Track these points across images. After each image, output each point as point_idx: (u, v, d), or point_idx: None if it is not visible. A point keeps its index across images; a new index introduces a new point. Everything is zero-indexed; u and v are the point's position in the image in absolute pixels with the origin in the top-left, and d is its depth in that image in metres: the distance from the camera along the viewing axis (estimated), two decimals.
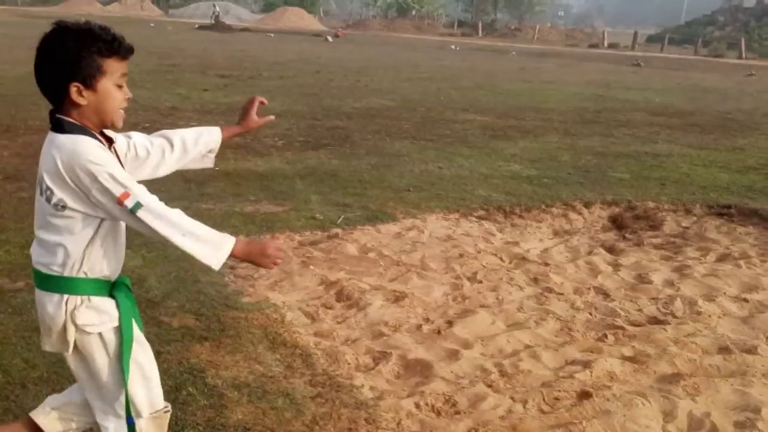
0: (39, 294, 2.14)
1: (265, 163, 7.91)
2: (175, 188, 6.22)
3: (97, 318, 2.12)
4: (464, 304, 4.44)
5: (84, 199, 2.00)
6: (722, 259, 5.46)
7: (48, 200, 2.02)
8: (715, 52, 45.46)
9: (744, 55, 41.87)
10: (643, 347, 3.84)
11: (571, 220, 6.55)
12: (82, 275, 2.08)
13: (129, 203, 1.97)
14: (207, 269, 2.10)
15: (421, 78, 19.40)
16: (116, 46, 2.04)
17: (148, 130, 2.49)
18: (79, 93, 2.00)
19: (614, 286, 4.88)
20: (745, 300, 4.61)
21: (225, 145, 2.50)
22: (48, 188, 2.01)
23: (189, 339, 3.61)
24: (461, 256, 5.31)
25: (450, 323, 4.11)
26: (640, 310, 4.44)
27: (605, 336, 4.01)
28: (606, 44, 49.94)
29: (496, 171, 8.11)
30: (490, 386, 3.42)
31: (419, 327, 4.06)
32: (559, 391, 3.35)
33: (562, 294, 4.68)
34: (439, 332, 4.00)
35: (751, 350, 3.84)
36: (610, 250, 5.75)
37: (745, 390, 3.41)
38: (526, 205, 6.72)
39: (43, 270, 2.09)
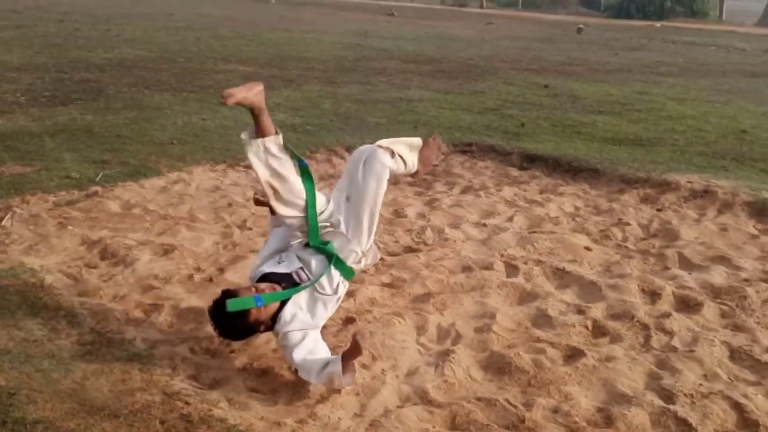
0: None
1: (8, 122, 7.25)
2: None
3: None
4: (235, 251, 4.55)
5: None
6: (465, 191, 6.11)
7: None
8: (460, 1, 48.70)
9: (484, 5, 45.35)
10: (399, 273, 4.25)
11: (334, 165, 6.87)
12: None
13: None
14: None
15: (178, 27, 18.61)
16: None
17: None
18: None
19: None
20: (484, 225, 5.25)
21: None
22: None
23: None
24: (230, 205, 5.38)
25: (222, 270, 4.21)
26: (396, 241, 4.87)
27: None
28: None
29: None
30: None
31: (191, 277, 4.11)
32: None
33: None
34: (211, 280, 4.09)
35: (489, 267, 4.41)
36: None
37: (484, 301, 3.96)
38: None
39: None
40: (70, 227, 4.67)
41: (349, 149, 7.12)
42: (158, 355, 3.21)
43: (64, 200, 5.17)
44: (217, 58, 13.32)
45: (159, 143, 6.88)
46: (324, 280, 3.19)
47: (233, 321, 2.99)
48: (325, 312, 3.24)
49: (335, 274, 3.23)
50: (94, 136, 6.92)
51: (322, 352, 3.07)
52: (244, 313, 2.97)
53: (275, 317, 3.10)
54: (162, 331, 3.50)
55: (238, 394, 2.97)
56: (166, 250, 4.43)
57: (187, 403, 2.81)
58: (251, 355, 3.30)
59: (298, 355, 3.02)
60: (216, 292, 3.87)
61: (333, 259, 3.22)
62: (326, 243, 3.24)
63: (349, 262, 3.30)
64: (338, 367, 2.92)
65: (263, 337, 3.43)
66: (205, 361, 3.24)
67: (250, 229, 4.95)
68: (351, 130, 7.85)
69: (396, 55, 15.43)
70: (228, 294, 3.01)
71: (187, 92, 9.71)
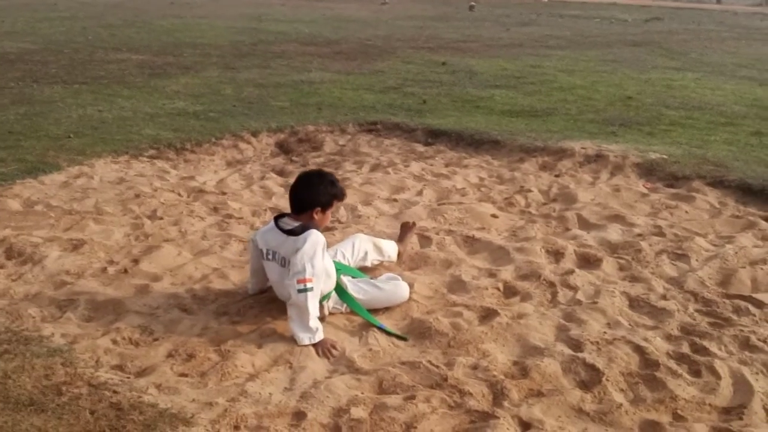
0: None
1: None
2: None
3: None
4: (148, 241, 4.49)
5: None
6: (374, 168, 6.23)
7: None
8: None
9: None
10: None
11: (241, 150, 6.84)
12: None
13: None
14: None
15: (62, 17, 17.78)
16: (342, 197, 3.64)
17: None
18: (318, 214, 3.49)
19: (287, 204, 5.23)
20: (395, 200, 5.38)
21: None
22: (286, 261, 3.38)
23: None
24: (138, 196, 5.28)
25: (136, 261, 4.15)
26: None
27: None
28: None
29: (160, 109, 8.01)
30: (184, 310, 3.61)
31: (104, 270, 4.04)
32: (250, 301, 3.67)
33: (241, 218, 4.97)
34: (126, 271, 4.03)
35: None
36: (281, 173, 6.18)
37: (401, 272, 4.09)
38: (197, 140, 6.83)
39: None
40: None
41: (255, 134, 7.11)
42: (79, 348, 3.16)
43: None
44: (108, 47, 12.85)
45: (55, 137, 6.63)
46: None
47: (323, 182, 3.51)
48: (325, 273, 3.46)
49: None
50: None
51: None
52: (329, 189, 3.50)
53: (312, 228, 3.41)
54: (80, 325, 3.44)
55: (166, 380, 2.98)
56: (75, 245, 4.32)
57: (115, 392, 2.79)
58: (176, 341, 3.30)
59: (319, 264, 3.33)
60: (131, 283, 3.87)
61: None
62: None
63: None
64: (317, 337, 3.27)
65: (187, 323, 3.45)
66: (129, 351, 3.21)
67: (161, 218, 4.89)
68: (255, 115, 7.81)
69: (294, 38, 15.34)
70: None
71: (78, 84, 9.35)
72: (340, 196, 3.60)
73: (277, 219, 3.55)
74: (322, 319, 3.45)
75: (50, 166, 5.78)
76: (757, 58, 13.92)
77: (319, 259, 3.34)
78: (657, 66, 12.39)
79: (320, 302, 3.46)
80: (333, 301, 3.58)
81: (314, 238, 3.36)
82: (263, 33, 16.16)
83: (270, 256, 3.50)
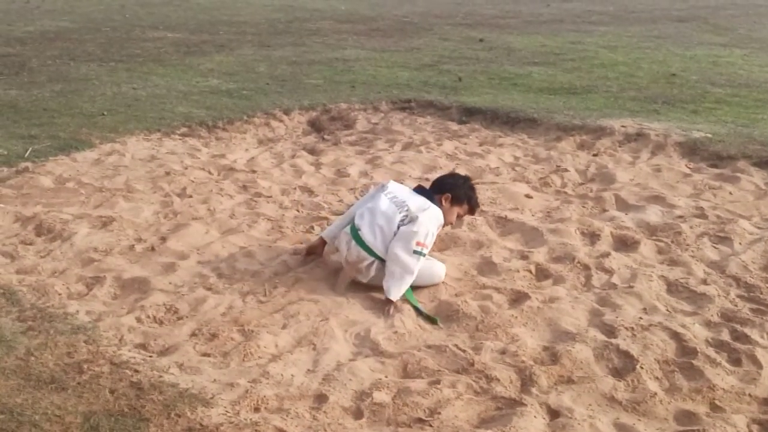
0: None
1: None
2: None
3: None
4: (176, 219, 4.47)
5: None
6: (407, 147, 6.12)
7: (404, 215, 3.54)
8: None
9: None
10: None
11: (273, 128, 6.78)
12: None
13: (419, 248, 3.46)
14: None
15: None
16: (475, 206, 3.88)
17: None
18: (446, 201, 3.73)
19: (317, 183, 5.24)
20: (427, 179, 5.25)
21: None
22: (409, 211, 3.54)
23: None
24: (168, 174, 5.27)
25: (163, 239, 4.13)
26: (341, 200, 4.86)
27: (312, 227, 4.35)
28: None
29: (194, 87, 8.00)
30: (209, 289, 3.58)
31: (132, 247, 4.03)
32: (276, 281, 3.62)
33: (270, 197, 4.92)
34: (153, 249, 4.01)
35: None
36: (312, 151, 6.11)
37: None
38: (229, 117, 6.79)
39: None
40: (1, 205, 4.50)
41: (287, 112, 7.05)
42: (103, 326, 3.15)
43: None
44: (145, 25, 12.89)
45: (89, 115, 6.65)
46: None
47: (466, 182, 3.85)
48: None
49: None
50: (20, 111, 6.65)
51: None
52: (468, 191, 3.80)
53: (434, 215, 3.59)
54: (106, 303, 3.43)
55: (188, 359, 2.95)
56: (105, 222, 4.32)
57: (136, 371, 2.77)
58: (200, 320, 3.27)
59: (432, 238, 3.55)
60: (158, 261, 3.84)
61: None
62: None
63: None
64: (400, 292, 3.41)
65: (211, 302, 3.41)
66: (153, 330, 3.19)
67: (191, 196, 4.86)
68: (288, 93, 7.74)
69: (329, 15, 15.21)
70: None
71: (114, 62, 9.39)
72: (473, 202, 3.83)
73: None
74: None
75: (83, 144, 5.80)
76: None
77: (433, 234, 3.53)
78: (703, 42, 11.96)
79: None
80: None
81: (439, 214, 3.59)
82: (299, 10, 16.06)
83: (390, 196, 3.63)
